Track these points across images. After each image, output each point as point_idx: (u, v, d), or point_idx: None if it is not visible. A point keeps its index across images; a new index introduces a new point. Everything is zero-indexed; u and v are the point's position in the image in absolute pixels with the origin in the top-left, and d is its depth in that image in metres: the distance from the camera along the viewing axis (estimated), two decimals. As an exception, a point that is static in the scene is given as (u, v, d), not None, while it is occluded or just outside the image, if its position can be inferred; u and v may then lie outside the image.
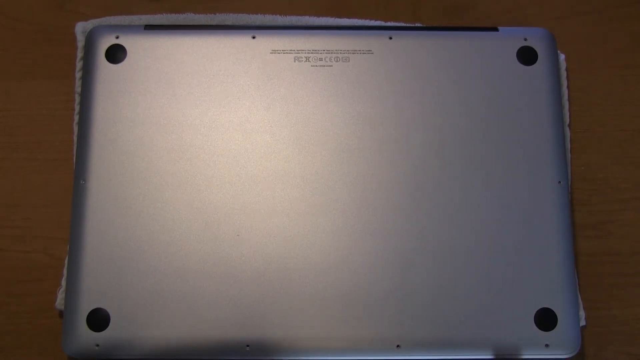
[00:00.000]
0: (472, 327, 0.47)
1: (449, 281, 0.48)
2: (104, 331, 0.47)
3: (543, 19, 0.57)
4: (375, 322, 0.47)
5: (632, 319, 0.51)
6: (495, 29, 0.53)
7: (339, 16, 0.56)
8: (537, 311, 0.47)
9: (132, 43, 0.51)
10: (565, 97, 0.54)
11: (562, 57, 0.55)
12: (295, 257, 0.48)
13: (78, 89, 0.53)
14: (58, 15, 0.57)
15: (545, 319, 0.47)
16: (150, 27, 0.52)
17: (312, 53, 0.51)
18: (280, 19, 0.56)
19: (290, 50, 0.51)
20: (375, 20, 0.56)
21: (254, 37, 0.52)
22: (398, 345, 0.47)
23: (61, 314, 0.50)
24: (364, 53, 0.52)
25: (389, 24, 0.56)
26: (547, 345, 0.47)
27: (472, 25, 0.57)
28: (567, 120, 0.53)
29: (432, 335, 0.47)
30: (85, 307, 0.47)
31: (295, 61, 0.51)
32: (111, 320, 0.47)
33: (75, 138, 0.52)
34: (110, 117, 0.50)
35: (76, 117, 0.53)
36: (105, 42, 0.51)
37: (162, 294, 0.47)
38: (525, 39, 0.52)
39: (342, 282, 0.48)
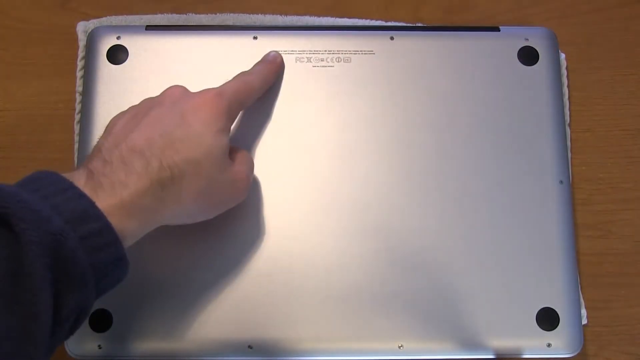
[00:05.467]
0: (474, 327, 0.47)
1: (450, 281, 0.48)
2: (106, 332, 0.47)
3: (544, 19, 0.57)
4: (378, 322, 0.47)
5: (634, 319, 0.52)
6: (496, 29, 0.53)
7: (340, 16, 0.56)
8: (539, 311, 0.47)
9: (133, 43, 0.51)
10: (566, 96, 0.54)
11: (562, 56, 0.55)
12: (297, 257, 0.48)
13: (79, 88, 0.52)
14: (59, 15, 0.56)
15: (547, 319, 0.47)
16: (151, 28, 0.52)
17: (313, 53, 0.51)
18: (280, 19, 0.56)
19: (292, 50, 0.51)
20: (377, 20, 0.56)
21: (255, 38, 0.52)
22: (400, 346, 0.47)
23: (63, 314, 0.49)
24: (365, 53, 0.51)
25: (390, 23, 0.56)
26: (549, 345, 0.47)
27: (473, 25, 0.57)
28: (568, 120, 0.54)
29: (434, 335, 0.47)
30: (87, 308, 0.47)
31: (296, 62, 0.51)
32: (114, 321, 0.47)
33: (76, 137, 0.52)
34: (112, 118, 0.50)
35: (77, 117, 0.52)
36: (107, 42, 0.51)
37: (165, 294, 0.47)
38: (527, 39, 0.52)
39: (344, 282, 0.48)
